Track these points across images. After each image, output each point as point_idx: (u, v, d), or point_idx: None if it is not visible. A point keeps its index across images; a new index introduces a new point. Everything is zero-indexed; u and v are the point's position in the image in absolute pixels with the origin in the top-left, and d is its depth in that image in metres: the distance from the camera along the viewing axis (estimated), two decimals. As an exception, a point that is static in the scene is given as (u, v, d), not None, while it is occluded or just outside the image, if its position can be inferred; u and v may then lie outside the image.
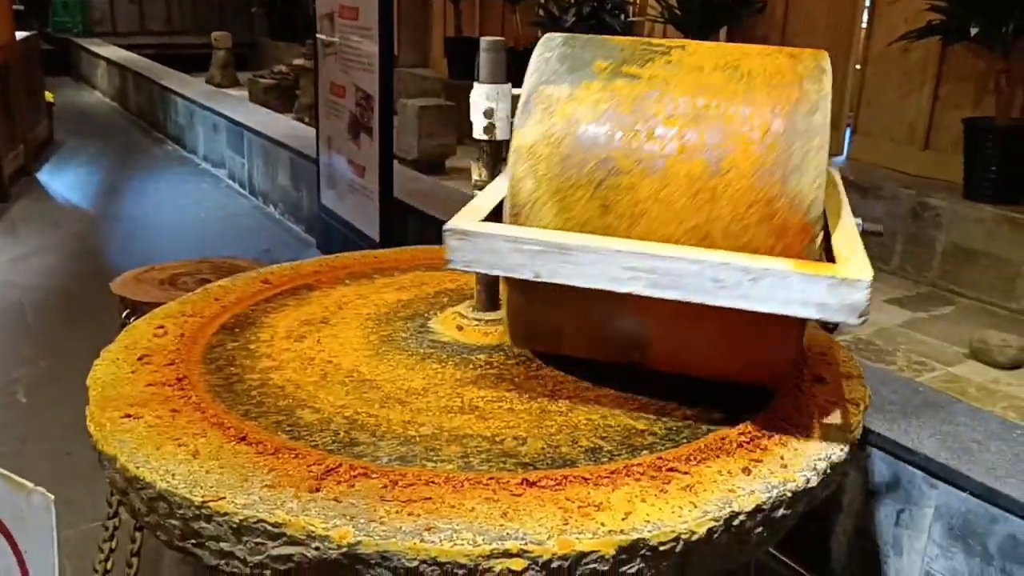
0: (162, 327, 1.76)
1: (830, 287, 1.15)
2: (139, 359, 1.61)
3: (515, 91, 1.61)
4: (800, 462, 1.31)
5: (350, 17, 3.58)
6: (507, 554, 1.10)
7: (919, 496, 1.99)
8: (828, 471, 1.32)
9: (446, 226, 1.31)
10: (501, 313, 1.73)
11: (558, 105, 1.39)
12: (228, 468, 1.25)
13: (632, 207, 1.32)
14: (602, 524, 1.14)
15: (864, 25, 5.45)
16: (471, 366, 1.58)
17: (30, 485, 0.83)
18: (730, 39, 6.29)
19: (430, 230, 3.77)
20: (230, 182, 6.26)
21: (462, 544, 1.11)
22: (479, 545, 1.10)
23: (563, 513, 1.17)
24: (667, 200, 1.31)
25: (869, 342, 3.86)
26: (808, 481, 1.28)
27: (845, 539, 2.17)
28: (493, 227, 1.31)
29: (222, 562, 1.22)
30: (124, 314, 2.16)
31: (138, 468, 1.25)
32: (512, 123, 1.63)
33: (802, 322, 1.34)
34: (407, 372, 1.55)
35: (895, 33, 4.80)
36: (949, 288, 4.43)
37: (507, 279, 1.44)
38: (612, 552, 1.12)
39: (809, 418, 1.44)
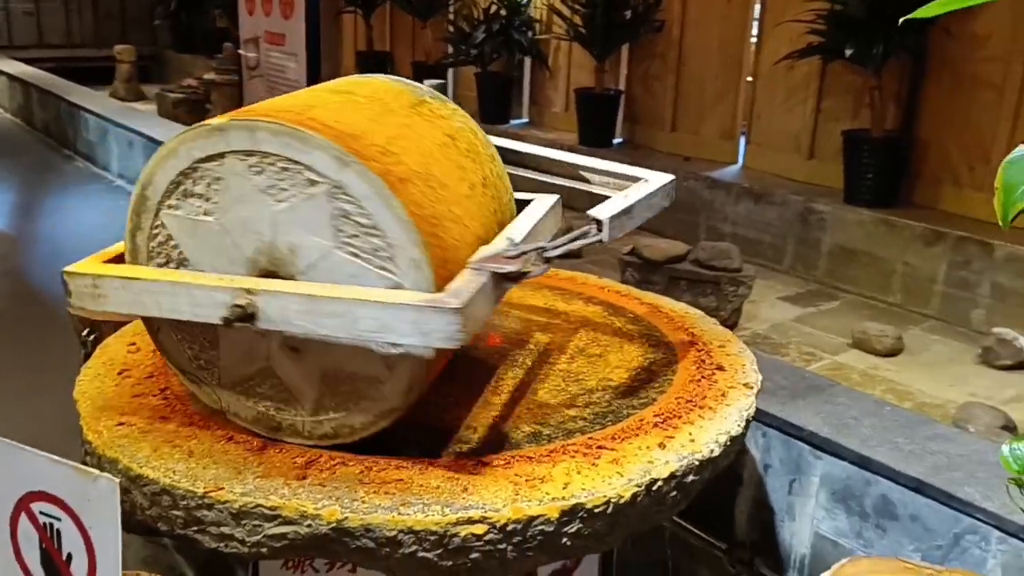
0: (134, 344, 1.93)
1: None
2: (119, 373, 1.78)
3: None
4: (705, 436, 1.58)
5: (276, 42, 3.75)
6: (470, 521, 1.34)
7: (807, 467, 2.31)
8: (728, 443, 1.60)
9: None
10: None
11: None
12: (222, 464, 1.45)
13: None
14: (547, 493, 1.39)
15: (754, 42, 5.88)
16: (423, 369, 1.80)
17: (96, 472, 1.02)
18: (631, 56, 6.67)
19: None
20: (148, 199, 6.28)
21: (432, 515, 1.34)
22: (447, 515, 1.34)
23: (514, 486, 1.41)
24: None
25: (766, 336, 4.24)
26: (712, 451, 1.55)
27: (746, 509, 2.48)
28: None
29: (221, 544, 1.41)
30: (85, 332, 2.30)
31: (141, 468, 1.44)
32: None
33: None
34: (367, 376, 1.77)
35: (781, 52, 5.23)
36: (834, 285, 4.86)
37: None
38: (556, 515, 1.37)
39: (712, 400, 1.72)
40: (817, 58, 5.02)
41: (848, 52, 4.52)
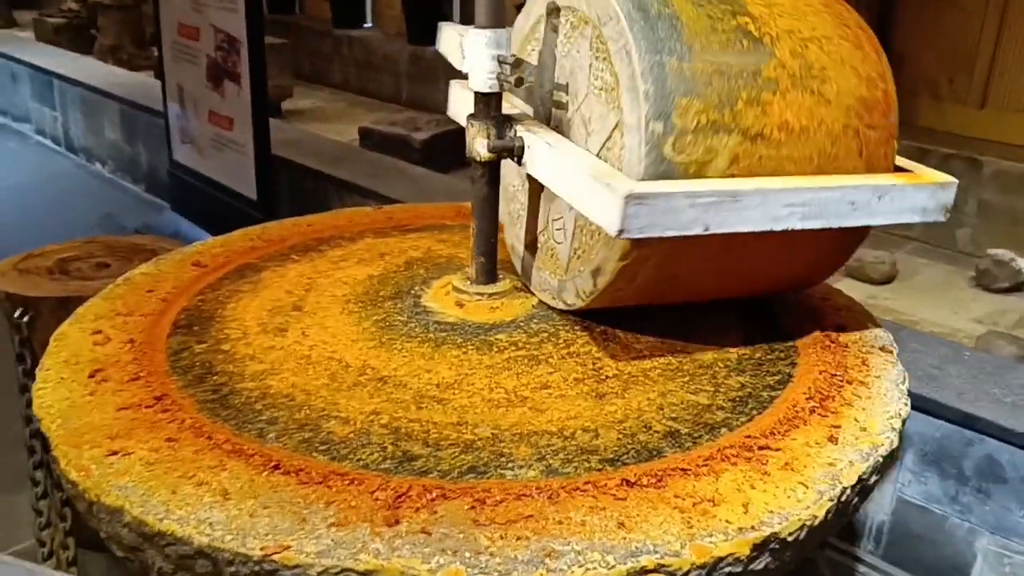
0: (100, 332, 1.47)
1: (931, 193, 1.33)
2: (91, 376, 1.33)
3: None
4: (875, 423, 1.27)
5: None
6: (643, 571, 0.99)
7: (890, 426, 2.04)
8: (900, 429, 1.29)
9: (626, 193, 1.15)
10: (503, 286, 1.57)
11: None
12: (275, 507, 1.05)
13: None
14: (727, 522, 1.05)
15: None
16: (495, 349, 1.42)
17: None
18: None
19: (307, 182, 3.48)
20: (40, 139, 5.52)
21: (594, 567, 0.98)
22: (613, 566, 0.98)
23: (680, 514, 1.06)
24: None
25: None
26: (891, 442, 1.24)
27: (811, 472, 2.20)
28: (672, 186, 1.21)
29: (285, 620, 1.02)
30: (17, 313, 1.81)
31: (161, 522, 1.02)
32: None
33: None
34: (427, 363, 1.37)
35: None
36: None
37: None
38: (747, 552, 1.03)
39: (856, 372, 1.40)
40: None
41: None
